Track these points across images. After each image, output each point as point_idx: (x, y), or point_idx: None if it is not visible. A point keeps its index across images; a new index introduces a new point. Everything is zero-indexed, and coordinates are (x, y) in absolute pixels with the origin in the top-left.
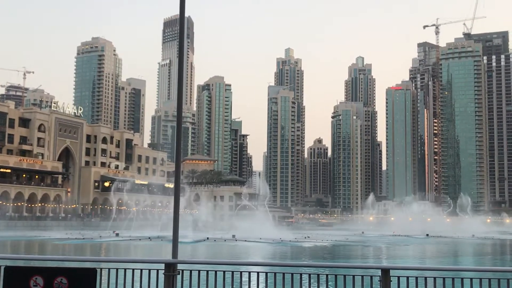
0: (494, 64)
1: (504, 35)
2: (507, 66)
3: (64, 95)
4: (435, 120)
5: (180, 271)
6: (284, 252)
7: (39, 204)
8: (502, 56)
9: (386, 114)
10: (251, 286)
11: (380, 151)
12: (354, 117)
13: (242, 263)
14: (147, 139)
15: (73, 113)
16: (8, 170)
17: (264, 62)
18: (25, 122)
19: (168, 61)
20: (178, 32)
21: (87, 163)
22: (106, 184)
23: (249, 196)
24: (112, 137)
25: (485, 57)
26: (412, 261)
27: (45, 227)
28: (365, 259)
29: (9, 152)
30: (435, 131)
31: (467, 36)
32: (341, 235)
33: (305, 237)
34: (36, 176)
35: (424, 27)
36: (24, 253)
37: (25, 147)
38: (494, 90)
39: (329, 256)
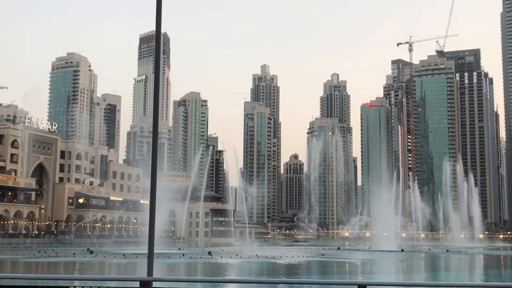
0: (466, 81)
1: (476, 53)
2: (479, 83)
3: (38, 111)
4: (409, 136)
5: None
6: (260, 268)
7: (12, 221)
8: (474, 73)
9: (361, 130)
10: None
11: (355, 167)
12: (330, 133)
13: (217, 280)
14: (122, 155)
15: (47, 129)
16: None
17: (240, 78)
18: None
19: (144, 77)
20: (154, 48)
21: (61, 179)
22: (81, 200)
23: (225, 212)
24: (86, 153)
25: (457, 74)
26: (388, 277)
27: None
28: (341, 275)
29: None
30: (409, 147)
31: (440, 53)
32: (317, 251)
33: (281, 253)
34: (9, 193)
35: (398, 44)
36: None
37: None
38: (467, 107)
39: (305, 272)
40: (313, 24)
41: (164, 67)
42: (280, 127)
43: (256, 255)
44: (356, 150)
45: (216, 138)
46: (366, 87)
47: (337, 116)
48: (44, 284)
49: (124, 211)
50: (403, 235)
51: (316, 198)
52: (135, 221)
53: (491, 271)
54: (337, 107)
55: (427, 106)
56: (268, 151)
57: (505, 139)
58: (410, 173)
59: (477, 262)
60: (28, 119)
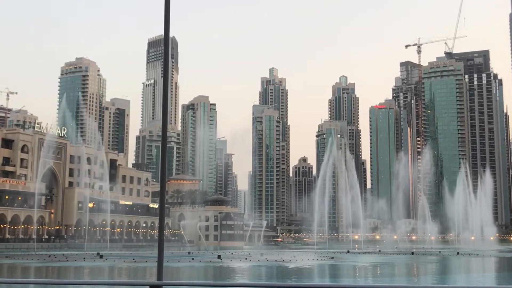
0: (475, 82)
1: (485, 54)
2: (488, 85)
3: (47, 116)
4: (418, 138)
5: None
6: (270, 272)
7: (22, 226)
8: (483, 75)
9: (370, 132)
10: None
11: (365, 169)
12: (339, 136)
13: (227, 284)
14: (131, 159)
15: (56, 134)
16: None
17: (249, 81)
18: (8, 143)
19: (152, 81)
20: (163, 52)
21: (70, 184)
22: (90, 205)
23: (234, 215)
24: (96, 158)
25: (466, 76)
26: (399, 280)
27: None
28: (352, 278)
29: None
30: (418, 149)
31: (449, 55)
32: (326, 254)
33: (291, 257)
34: (19, 198)
35: (406, 46)
36: (7, 276)
37: (8, 168)
38: (476, 108)
39: (315, 275)
40: (321, 26)
41: (172, 71)
42: (288, 130)
43: (266, 258)
44: (365, 153)
45: (225, 142)
46: (375, 90)
47: (345, 119)
48: None
49: (134, 215)
50: (413, 237)
51: (326, 201)
52: (144, 225)
53: (502, 274)
54: (345, 110)
55: (436, 108)
56: (277, 154)
57: None
58: (420, 175)
59: (489, 264)
60: (37, 124)
